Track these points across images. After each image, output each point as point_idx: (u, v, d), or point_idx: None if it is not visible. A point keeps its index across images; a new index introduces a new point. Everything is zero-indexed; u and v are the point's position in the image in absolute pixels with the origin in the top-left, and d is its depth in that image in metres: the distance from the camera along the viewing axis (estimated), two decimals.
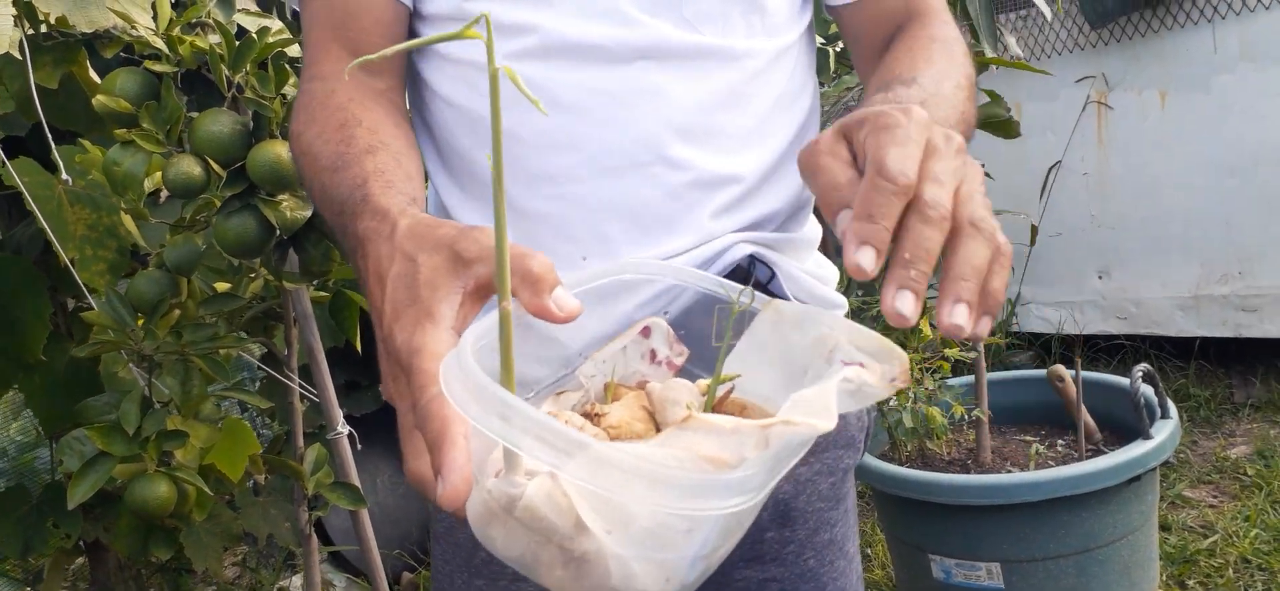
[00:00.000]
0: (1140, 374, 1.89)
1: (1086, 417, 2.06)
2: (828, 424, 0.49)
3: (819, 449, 0.55)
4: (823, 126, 0.88)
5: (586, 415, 0.57)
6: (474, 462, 0.52)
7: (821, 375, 0.56)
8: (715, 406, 0.59)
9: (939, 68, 0.75)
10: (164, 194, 1.61)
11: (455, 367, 0.48)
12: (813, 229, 0.94)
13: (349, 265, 0.73)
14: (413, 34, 0.83)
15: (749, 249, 0.83)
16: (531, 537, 0.49)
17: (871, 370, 0.55)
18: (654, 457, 0.47)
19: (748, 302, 0.61)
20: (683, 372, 0.66)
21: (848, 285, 2.35)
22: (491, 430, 0.46)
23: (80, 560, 2.41)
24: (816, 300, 0.91)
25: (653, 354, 0.67)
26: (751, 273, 0.85)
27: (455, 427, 0.49)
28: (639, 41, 0.78)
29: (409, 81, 0.87)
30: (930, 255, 0.49)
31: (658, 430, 0.56)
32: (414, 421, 0.51)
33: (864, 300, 2.14)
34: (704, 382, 0.61)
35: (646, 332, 0.67)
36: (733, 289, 0.64)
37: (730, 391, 0.61)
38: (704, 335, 0.64)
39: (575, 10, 0.77)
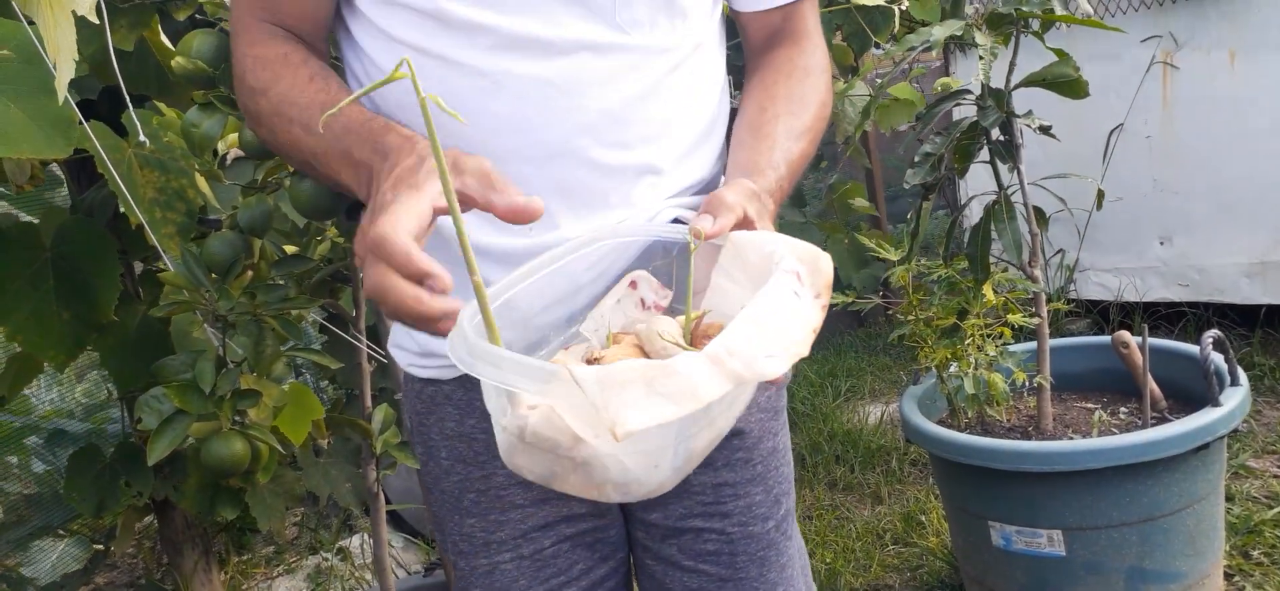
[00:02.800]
0: (1211, 340, 1.84)
1: (1152, 385, 2.02)
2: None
3: None
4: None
5: (589, 361, 0.67)
6: (494, 416, 0.64)
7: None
8: (693, 331, 0.72)
9: (794, 119, 0.93)
10: (231, 157, 1.63)
11: (457, 336, 0.61)
12: None
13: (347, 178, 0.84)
14: (338, 13, 0.92)
15: (674, 211, 0.93)
16: (545, 456, 0.60)
17: (806, 278, 0.67)
18: (606, 373, 0.56)
19: (695, 241, 0.73)
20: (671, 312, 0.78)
21: None
22: (489, 377, 0.58)
23: (149, 518, 2.48)
24: None
25: (642, 302, 0.79)
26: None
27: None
28: (573, 39, 0.86)
29: (343, 38, 0.94)
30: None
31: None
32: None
33: None
34: (683, 319, 0.73)
35: (634, 285, 0.79)
36: (670, 232, 0.79)
37: (702, 317, 0.73)
38: (679, 280, 0.77)
39: (516, 9, 0.85)
